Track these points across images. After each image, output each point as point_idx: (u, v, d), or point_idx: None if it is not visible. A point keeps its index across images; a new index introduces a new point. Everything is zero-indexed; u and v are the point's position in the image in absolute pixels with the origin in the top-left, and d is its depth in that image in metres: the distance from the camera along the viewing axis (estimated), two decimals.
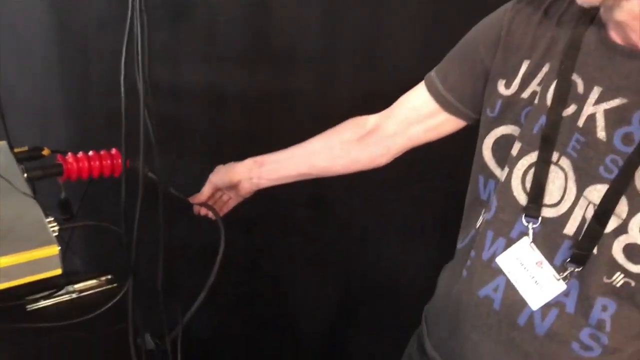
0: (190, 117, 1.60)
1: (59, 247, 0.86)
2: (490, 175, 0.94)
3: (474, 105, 0.96)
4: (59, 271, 0.87)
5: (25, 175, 1.03)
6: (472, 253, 0.94)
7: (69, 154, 1.11)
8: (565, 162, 0.85)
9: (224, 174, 1.18)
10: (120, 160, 1.15)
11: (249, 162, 1.16)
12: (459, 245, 1.02)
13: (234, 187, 1.18)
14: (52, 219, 0.94)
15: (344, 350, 1.82)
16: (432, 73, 1.00)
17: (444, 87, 0.97)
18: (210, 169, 1.23)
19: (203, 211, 1.21)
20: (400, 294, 1.69)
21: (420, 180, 1.55)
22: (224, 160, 1.23)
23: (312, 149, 1.11)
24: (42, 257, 0.85)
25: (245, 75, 1.56)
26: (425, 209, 1.61)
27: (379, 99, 1.47)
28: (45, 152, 1.19)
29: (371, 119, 1.08)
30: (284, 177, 1.14)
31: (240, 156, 1.20)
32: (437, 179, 1.55)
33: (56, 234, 0.92)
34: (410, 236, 1.65)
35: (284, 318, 1.77)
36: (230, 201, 1.25)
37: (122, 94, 0.87)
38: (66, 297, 1.31)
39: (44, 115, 1.70)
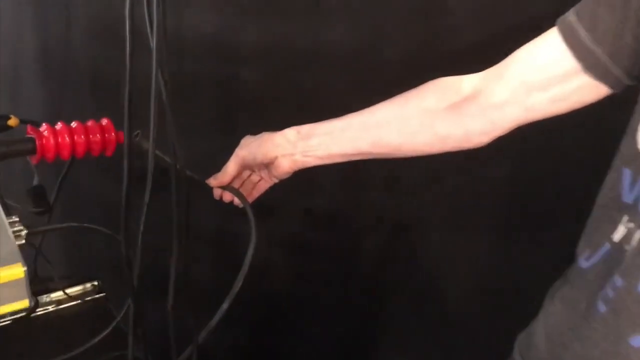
0: (198, 77, 1.29)
1: (25, 268, 0.57)
2: None
3: (631, 65, 0.67)
4: (25, 303, 0.58)
5: None
6: (618, 281, 0.66)
7: (44, 125, 0.81)
8: None
9: (256, 148, 0.88)
10: (113, 135, 0.85)
11: (290, 133, 0.86)
12: (584, 263, 0.73)
13: (268, 164, 0.89)
14: (16, 219, 0.65)
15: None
16: (571, 17, 0.70)
17: (592, 37, 0.67)
18: (222, 142, 0.94)
19: (227, 196, 0.93)
20: (444, 296, 1.42)
21: (468, 166, 1.27)
22: (238, 132, 0.94)
23: (379, 119, 0.81)
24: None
25: (265, 25, 1.25)
26: (475, 199, 1.33)
27: (442, 54, 1.18)
28: (13, 121, 0.90)
29: (468, 81, 0.77)
30: (337, 154, 0.84)
31: (259, 126, 0.92)
32: (491, 163, 1.27)
33: (22, 241, 0.63)
34: (457, 231, 1.36)
35: (307, 323, 1.50)
36: (261, 183, 0.95)
37: (127, 36, 0.58)
38: (39, 312, 1.03)
39: (12, 74, 1.39)
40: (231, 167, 0.90)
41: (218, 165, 0.94)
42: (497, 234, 1.36)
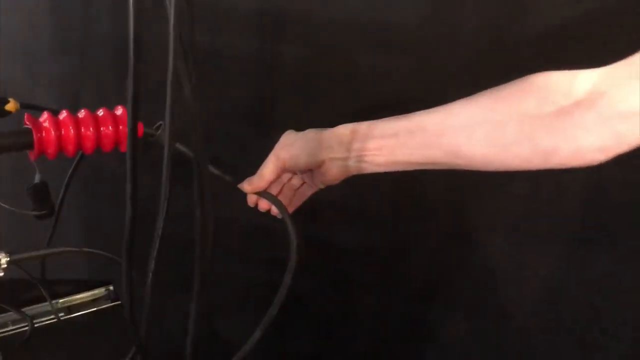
0: (233, 55, 1.12)
1: None
2: None
3: None
4: None
5: None
6: None
7: (45, 114, 0.67)
8: None
9: (299, 149, 0.72)
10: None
11: (343, 132, 0.70)
12: None
13: (314, 168, 0.73)
14: None
15: None
16: None
17: None
18: (258, 137, 0.78)
19: (263, 204, 0.77)
20: (503, 311, 1.25)
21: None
22: (281, 125, 0.78)
23: (460, 123, 0.63)
24: None
25: None
26: (555, 203, 1.15)
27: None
28: (11, 106, 0.75)
29: (583, 78, 0.59)
30: (402, 162, 0.68)
31: (303, 120, 0.77)
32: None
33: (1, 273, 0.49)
34: (522, 240, 1.19)
35: (351, 330, 1.35)
36: (304, 189, 0.80)
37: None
38: (48, 321, 0.90)
39: (27, 50, 1.25)
40: (269, 171, 0.74)
41: (252, 164, 0.79)
42: (569, 244, 1.19)
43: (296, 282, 0.73)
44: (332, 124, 0.73)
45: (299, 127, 0.78)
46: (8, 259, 0.50)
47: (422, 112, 0.66)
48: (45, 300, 0.90)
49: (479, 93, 0.65)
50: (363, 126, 0.69)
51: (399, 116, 0.68)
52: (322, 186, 0.77)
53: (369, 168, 0.70)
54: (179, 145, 0.69)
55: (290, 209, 0.79)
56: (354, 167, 0.70)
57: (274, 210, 0.76)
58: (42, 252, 0.61)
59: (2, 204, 0.67)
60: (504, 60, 1.02)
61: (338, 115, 0.99)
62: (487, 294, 1.26)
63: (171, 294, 0.72)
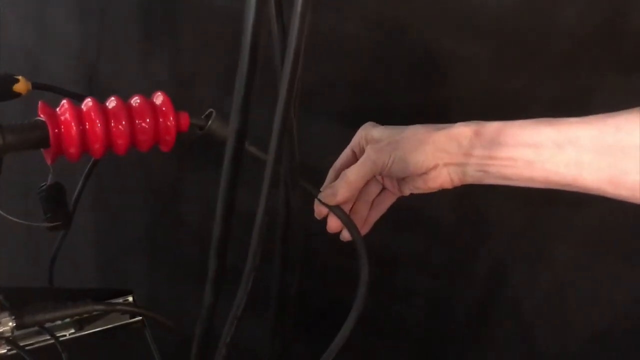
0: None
1: None
2: None
3: None
4: None
5: None
6: None
7: (64, 102, 0.51)
8: None
9: (408, 151, 0.55)
10: (172, 120, 0.55)
11: (463, 133, 0.54)
12: None
13: (417, 175, 0.57)
14: None
15: None
16: None
17: None
18: (343, 135, 0.63)
19: (333, 223, 0.61)
20: (563, 330, 1.12)
21: None
22: (377, 120, 0.62)
23: (634, 142, 0.47)
24: None
25: None
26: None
27: None
28: (21, 86, 0.60)
29: None
30: (539, 180, 0.52)
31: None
32: None
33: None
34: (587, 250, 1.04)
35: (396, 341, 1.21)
36: (383, 197, 0.63)
37: None
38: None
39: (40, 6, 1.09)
40: (359, 178, 0.58)
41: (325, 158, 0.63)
42: None
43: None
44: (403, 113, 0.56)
45: (366, 119, 0.62)
46: (14, 324, 0.36)
47: (571, 120, 0.50)
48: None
49: None
50: (490, 128, 0.53)
51: (538, 121, 0.52)
52: (407, 193, 0.61)
53: (493, 179, 0.54)
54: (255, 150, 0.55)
55: (365, 228, 0.63)
56: (472, 175, 0.55)
57: (345, 234, 0.60)
58: (60, 312, 0.46)
59: (5, 215, 0.52)
60: (607, 53, 0.86)
61: (410, 104, 0.84)
62: (543, 310, 1.12)
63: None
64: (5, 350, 0.44)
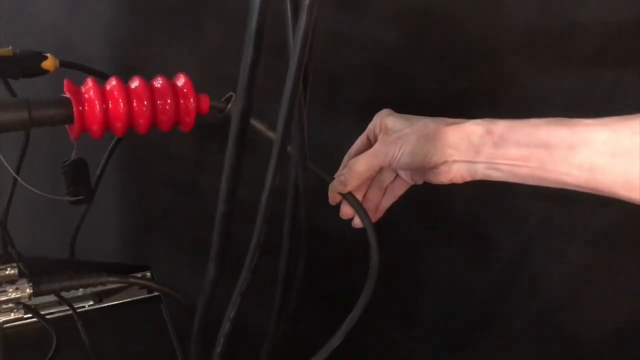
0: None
1: None
2: None
3: None
4: None
5: None
6: None
7: (89, 80, 0.53)
8: None
9: (417, 146, 0.56)
10: (192, 101, 0.56)
11: (475, 131, 0.54)
12: None
13: (428, 168, 0.58)
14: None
15: None
16: None
17: None
18: (366, 124, 0.63)
19: (346, 210, 0.62)
20: (575, 333, 1.11)
21: None
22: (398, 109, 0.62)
23: None
24: None
25: None
26: None
27: None
28: (49, 63, 0.62)
29: None
30: (551, 180, 0.51)
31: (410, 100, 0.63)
32: None
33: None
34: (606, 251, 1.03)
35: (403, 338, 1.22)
36: (394, 185, 0.64)
37: None
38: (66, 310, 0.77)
39: None
40: (366, 168, 0.59)
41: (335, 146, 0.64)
42: None
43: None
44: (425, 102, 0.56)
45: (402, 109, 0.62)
46: (31, 291, 0.37)
47: (586, 121, 0.50)
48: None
49: None
50: (502, 126, 0.53)
51: (552, 120, 0.51)
52: (419, 182, 0.62)
53: (503, 177, 0.54)
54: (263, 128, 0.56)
55: (376, 216, 0.64)
56: (482, 173, 0.55)
57: (357, 221, 0.61)
58: (75, 282, 0.48)
59: (29, 187, 0.54)
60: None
61: (433, 95, 0.83)
62: (553, 312, 1.11)
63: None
64: (23, 315, 0.46)
